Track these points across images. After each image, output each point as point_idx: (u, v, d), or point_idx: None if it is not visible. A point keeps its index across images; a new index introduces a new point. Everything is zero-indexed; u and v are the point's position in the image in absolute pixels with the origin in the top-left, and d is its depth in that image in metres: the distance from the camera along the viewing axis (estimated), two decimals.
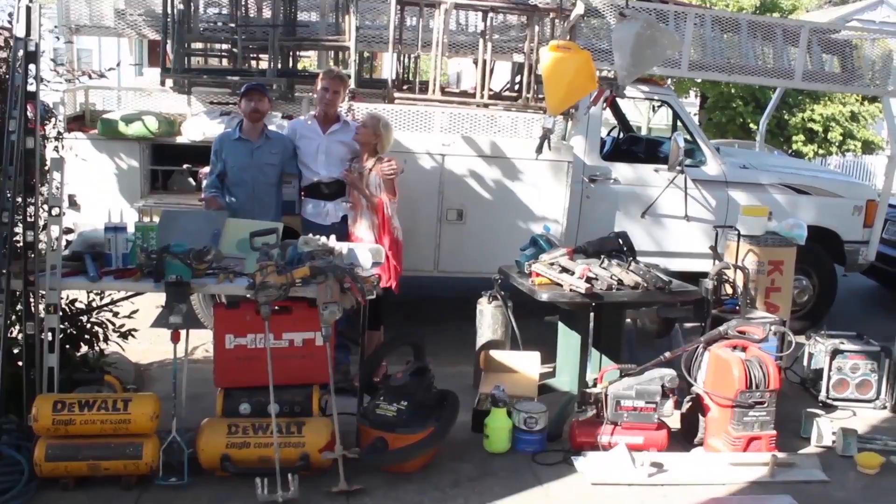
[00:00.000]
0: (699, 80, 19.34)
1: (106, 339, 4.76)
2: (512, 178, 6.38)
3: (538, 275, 4.56)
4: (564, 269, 4.54)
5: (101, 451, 3.68)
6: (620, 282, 4.49)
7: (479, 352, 5.53)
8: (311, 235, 4.58)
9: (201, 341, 5.59)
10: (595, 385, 4.66)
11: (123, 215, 4.24)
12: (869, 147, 23.94)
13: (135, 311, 4.95)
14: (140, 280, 3.96)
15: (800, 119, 22.32)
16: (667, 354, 4.55)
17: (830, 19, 24.95)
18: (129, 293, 4.60)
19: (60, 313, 3.98)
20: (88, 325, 4.68)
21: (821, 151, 22.98)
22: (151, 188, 6.21)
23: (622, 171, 6.93)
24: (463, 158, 6.30)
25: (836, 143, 22.81)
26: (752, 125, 21.79)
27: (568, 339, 4.99)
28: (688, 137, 6.99)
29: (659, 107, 8.04)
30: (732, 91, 21.49)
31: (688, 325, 5.45)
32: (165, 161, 6.21)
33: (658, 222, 6.99)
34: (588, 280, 4.43)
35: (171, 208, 5.88)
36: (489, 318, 5.55)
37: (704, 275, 7.22)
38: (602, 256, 4.74)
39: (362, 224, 5.45)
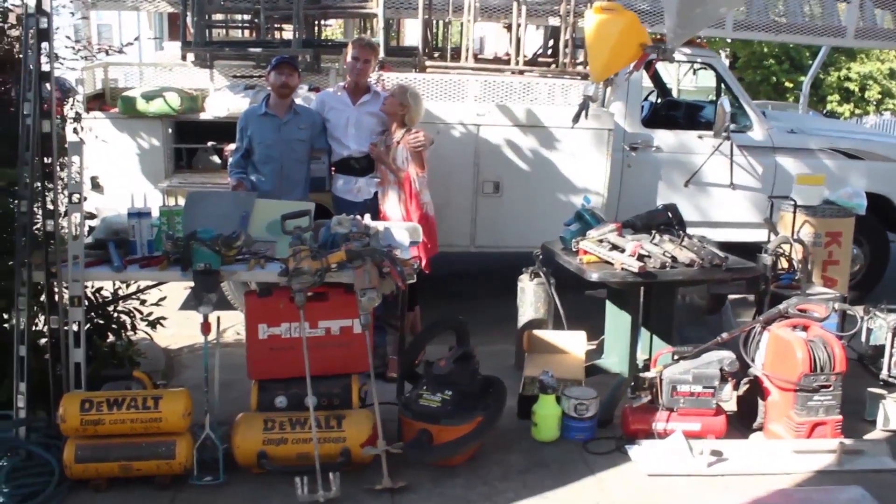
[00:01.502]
0: (729, 39, 18.83)
1: (134, 329, 4.57)
2: (550, 149, 6.10)
3: (586, 252, 4.29)
4: (614, 247, 4.27)
5: (132, 451, 3.50)
6: (674, 259, 4.22)
7: (521, 331, 5.30)
8: (344, 215, 4.35)
9: (231, 323, 5.40)
10: (647, 368, 4.41)
11: (147, 199, 4.01)
12: None
13: (162, 299, 4.75)
14: (167, 269, 3.74)
15: (835, 78, 21.64)
16: (724, 335, 4.27)
17: None
18: (156, 282, 4.39)
19: (85, 305, 3.78)
20: (115, 315, 4.48)
21: (857, 111, 22.31)
22: (176, 167, 6.00)
23: (664, 139, 6.61)
24: (498, 128, 6.02)
25: (874, 103, 22.13)
26: (786, 84, 21.18)
27: (617, 319, 4.73)
28: (733, 101, 6.63)
29: (699, 69, 7.66)
30: (765, 49, 20.85)
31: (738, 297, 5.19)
32: (189, 139, 5.98)
33: (702, 191, 6.67)
34: (640, 258, 4.16)
35: (196, 188, 5.69)
36: (531, 296, 5.30)
37: (752, 246, 7.00)
38: (653, 231, 4.46)
39: (390, 200, 5.21)
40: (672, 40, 4.65)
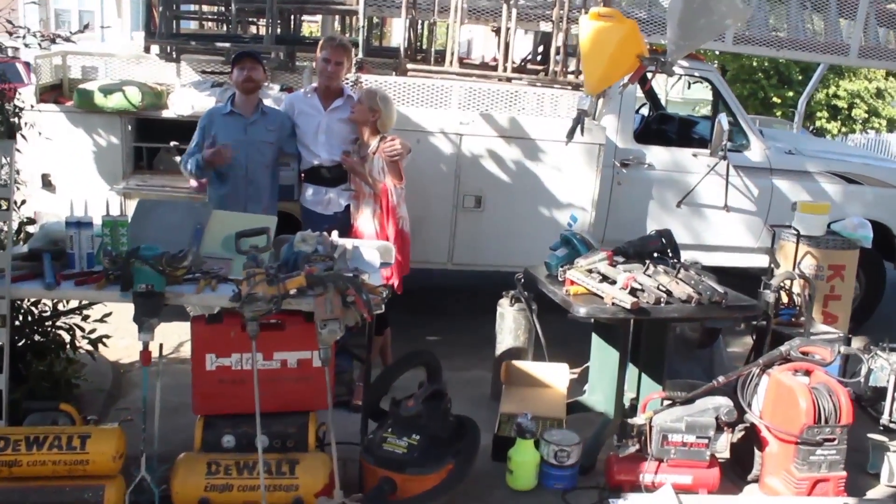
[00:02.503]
0: (718, 52, 18.54)
1: (74, 348, 4.14)
2: (536, 162, 5.72)
3: (573, 283, 3.91)
4: (604, 277, 3.90)
5: (54, 496, 3.08)
6: (669, 293, 3.85)
7: (498, 360, 4.93)
8: (309, 231, 3.95)
9: (187, 336, 4.97)
10: (634, 409, 4.05)
11: (104, 202, 3.59)
12: (893, 125, 23.14)
13: (108, 314, 4.31)
14: (104, 288, 3.32)
15: (824, 95, 21.50)
16: (720, 379, 3.91)
17: None
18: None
19: (13, 323, 3.36)
20: (53, 333, 4.05)
21: (844, 129, 22.19)
22: (135, 167, 5.57)
23: (657, 155, 6.25)
24: (482, 139, 5.63)
25: (861, 121, 22.01)
26: (775, 99, 21.00)
27: (603, 353, 4.38)
28: (730, 119, 6.30)
29: (694, 83, 7.32)
30: (755, 63, 20.66)
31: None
32: (151, 137, 5.55)
33: (695, 213, 6.33)
34: (633, 291, 3.79)
35: (156, 191, 5.28)
36: (511, 323, 4.92)
37: (745, 271, 6.68)
38: (646, 261, 4.09)
39: (364, 214, 4.81)
40: (673, 53, 4.29)
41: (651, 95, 7.79)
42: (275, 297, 3.21)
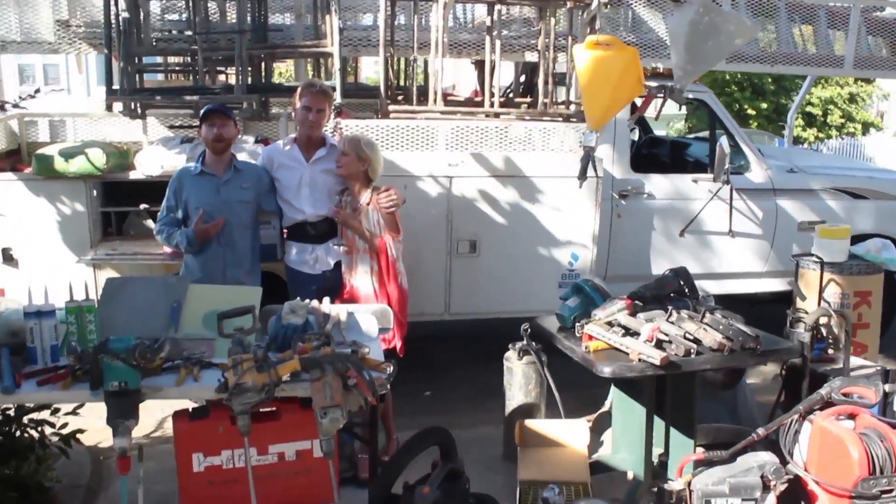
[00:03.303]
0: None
1: (44, 446, 3.72)
2: (532, 200, 5.40)
3: (593, 338, 3.56)
4: (626, 330, 3.55)
5: None
6: (698, 341, 3.51)
7: (510, 419, 4.56)
8: (297, 300, 3.59)
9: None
10: (664, 466, 3.70)
11: (48, 294, 3.19)
12: (867, 129, 23.17)
13: (80, 406, 3.90)
14: (71, 387, 2.92)
15: None
16: (760, 431, 3.55)
17: None
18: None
19: None
20: (18, 434, 3.64)
21: (820, 135, 22.16)
22: (104, 234, 5.18)
23: (656, 184, 5.95)
24: (473, 179, 5.31)
25: (836, 127, 22.00)
26: (749, 111, 20.93)
27: (626, 407, 4.03)
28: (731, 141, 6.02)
29: (689, 104, 7.05)
30: (727, 76, 20.60)
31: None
32: (119, 201, 5.17)
33: (700, 240, 6.02)
34: (659, 343, 3.44)
35: (127, 259, 4.91)
36: (520, 378, 4.56)
37: (754, 298, 6.38)
38: (667, 306, 3.75)
39: (359, 271, 4.46)
40: (681, 78, 3.99)
41: (640, 120, 7.52)
42: (266, 386, 2.83)
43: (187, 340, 3.29)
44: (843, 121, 21.87)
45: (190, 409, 3.09)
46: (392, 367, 3.07)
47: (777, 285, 6.32)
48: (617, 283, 5.93)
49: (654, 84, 4.09)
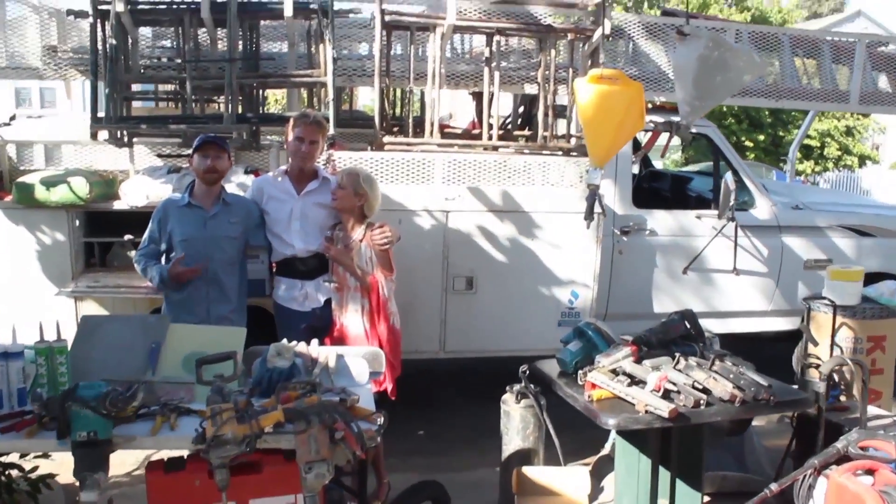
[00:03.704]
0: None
1: (10, 492, 3.50)
2: (531, 237, 5.22)
3: (596, 386, 3.36)
4: (631, 378, 3.35)
5: None
6: (706, 391, 3.32)
7: (507, 465, 4.35)
8: (284, 342, 3.39)
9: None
10: None
11: (17, 334, 2.99)
12: (864, 162, 23.16)
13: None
14: (36, 435, 2.71)
15: (794, 135, 21.40)
16: (773, 487, 3.36)
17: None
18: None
19: None
20: None
21: (817, 168, 22.13)
22: (86, 265, 4.98)
23: (659, 220, 5.79)
24: (471, 214, 5.14)
25: (833, 159, 21.98)
26: (746, 143, 20.88)
27: (630, 458, 3.81)
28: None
29: (693, 141, 6.92)
30: (724, 109, 20.59)
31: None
32: (102, 231, 4.97)
33: (703, 278, 5.85)
34: (666, 393, 3.25)
35: (109, 291, 4.71)
36: (518, 422, 4.35)
37: (757, 336, 6.20)
38: (675, 353, 3.56)
39: (350, 310, 4.26)
40: (689, 114, 3.84)
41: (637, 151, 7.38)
42: (247, 438, 2.62)
43: (165, 384, 3.09)
44: (839, 153, 21.84)
45: (165, 460, 2.87)
46: (383, 419, 2.87)
47: (782, 324, 6.14)
48: (618, 322, 5.75)
49: (658, 119, 3.92)
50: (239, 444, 2.62)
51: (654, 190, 6.81)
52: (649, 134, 5.01)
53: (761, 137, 20.88)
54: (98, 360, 3.15)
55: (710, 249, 5.74)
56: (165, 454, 2.92)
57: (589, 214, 4.24)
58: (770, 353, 6.38)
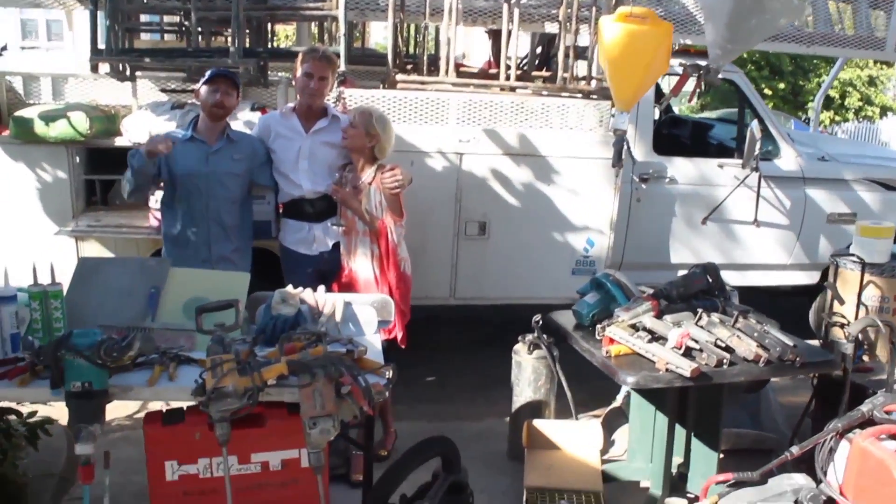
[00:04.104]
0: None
1: (9, 437, 3.40)
2: (547, 182, 5.04)
3: (614, 341, 3.22)
4: (652, 334, 3.21)
5: None
6: (729, 349, 3.18)
7: (516, 416, 4.26)
8: (290, 288, 3.25)
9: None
10: (683, 478, 3.39)
11: (9, 277, 2.86)
12: (885, 113, 22.62)
13: None
14: (29, 384, 2.59)
15: (815, 84, 20.93)
16: (794, 450, 3.24)
17: None
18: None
19: None
20: None
21: (837, 118, 21.64)
22: (87, 203, 4.83)
23: (679, 168, 5.57)
24: (485, 157, 4.95)
25: (854, 110, 21.47)
26: (766, 90, 20.41)
27: (644, 414, 3.71)
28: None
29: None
30: (744, 55, 20.06)
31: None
32: (104, 168, 4.81)
33: (723, 229, 5.66)
34: (688, 351, 3.11)
35: (111, 231, 4.56)
36: (529, 373, 4.25)
37: (779, 290, 6.03)
38: (696, 308, 3.41)
39: (359, 255, 4.12)
40: (719, 57, 3.62)
41: (659, 97, 7.13)
42: (248, 391, 2.50)
43: (165, 331, 2.97)
44: (861, 104, 21.31)
45: (163, 411, 2.76)
46: (392, 372, 2.73)
47: (801, 278, 5.98)
48: (634, 272, 5.60)
49: (685, 62, 3.70)
50: (240, 397, 2.49)
51: (674, 136, 6.58)
52: (675, 78, 4.77)
53: (781, 86, 20.39)
54: (95, 304, 3.03)
55: (730, 200, 5.54)
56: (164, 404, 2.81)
57: (617, 160, 4.05)
58: (785, 306, 6.26)
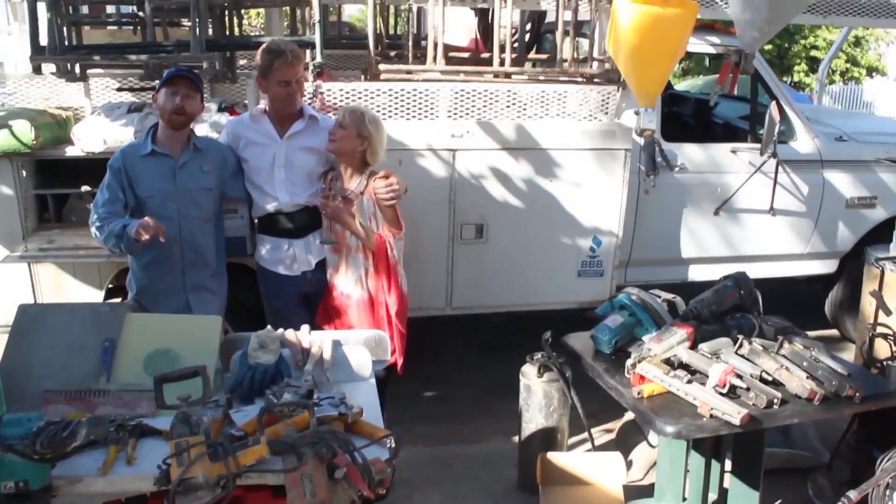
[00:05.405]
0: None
1: None
2: (549, 177, 4.58)
3: (645, 379, 2.80)
4: (687, 368, 2.78)
5: None
6: (776, 382, 2.76)
7: (527, 444, 3.85)
8: (269, 330, 2.80)
9: None
10: None
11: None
12: (871, 73, 22.26)
13: None
14: None
15: (801, 47, 20.50)
16: (852, 495, 2.84)
17: None
18: None
19: None
20: None
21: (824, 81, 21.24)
22: (39, 221, 4.32)
23: (689, 155, 5.10)
24: (481, 153, 4.47)
25: (840, 72, 21.08)
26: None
27: (676, 453, 3.29)
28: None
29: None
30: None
31: None
32: (56, 181, 4.29)
33: (736, 220, 5.23)
34: (731, 388, 2.69)
35: (66, 254, 4.06)
36: (540, 398, 3.82)
37: (793, 280, 5.63)
38: (733, 331, 2.99)
39: (350, 274, 3.67)
40: (756, 40, 3.17)
41: None
42: (223, 478, 2.06)
43: (123, 393, 2.51)
44: (847, 65, 20.93)
45: (122, 501, 2.31)
46: (394, 441, 2.29)
47: (819, 268, 5.58)
48: (641, 268, 5.19)
49: (727, 45, 3.22)
50: (212, 487, 2.05)
51: (677, 116, 6.12)
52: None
53: (768, 47, 19.93)
54: (38, 363, 2.58)
55: (744, 187, 5.11)
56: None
57: (651, 166, 3.58)
58: (800, 294, 5.88)
